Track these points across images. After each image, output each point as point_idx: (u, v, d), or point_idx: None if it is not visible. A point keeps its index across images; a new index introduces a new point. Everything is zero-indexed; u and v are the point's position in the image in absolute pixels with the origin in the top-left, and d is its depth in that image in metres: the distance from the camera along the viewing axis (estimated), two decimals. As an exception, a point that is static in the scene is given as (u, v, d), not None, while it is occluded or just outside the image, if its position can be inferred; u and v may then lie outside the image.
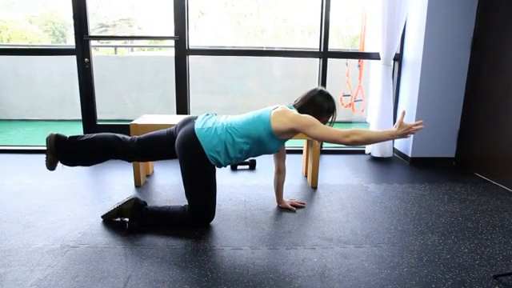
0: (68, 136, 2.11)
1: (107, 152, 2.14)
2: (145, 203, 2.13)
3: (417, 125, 1.85)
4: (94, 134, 2.15)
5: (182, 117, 2.27)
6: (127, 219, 2.09)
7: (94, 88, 3.55)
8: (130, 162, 2.29)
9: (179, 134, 2.07)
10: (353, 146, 3.88)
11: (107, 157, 2.17)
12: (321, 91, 2.10)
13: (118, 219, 2.16)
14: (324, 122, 2.07)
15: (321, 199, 2.56)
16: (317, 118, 2.00)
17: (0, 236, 1.96)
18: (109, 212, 2.14)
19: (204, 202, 2.07)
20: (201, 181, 2.04)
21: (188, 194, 2.05)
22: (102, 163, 3.04)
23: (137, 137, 2.18)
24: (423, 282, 1.64)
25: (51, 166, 2.08)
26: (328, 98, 2.09)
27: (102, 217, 2.17)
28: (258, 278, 1.65)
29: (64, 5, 6.40)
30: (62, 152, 2.07)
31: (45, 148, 2.09)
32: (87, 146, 2.09)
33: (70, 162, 2.12)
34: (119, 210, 2.11)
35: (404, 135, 1.86)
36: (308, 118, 1.93)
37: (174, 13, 3.39)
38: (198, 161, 1.99)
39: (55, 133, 2.09)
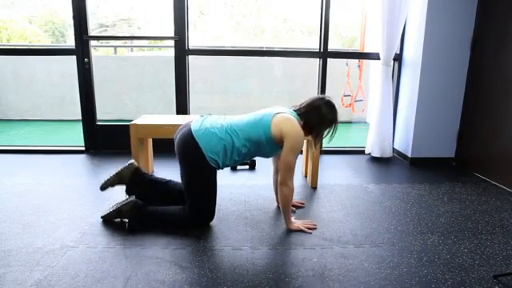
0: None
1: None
2: (144, 204, 2.13)
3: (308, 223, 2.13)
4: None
5: (182, 117, 2.26)
6: (127, 220, 2.09)
7: (93, 88, 3.55)
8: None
9: (178, 138, 2.07)
10: (351, 147, 3.90)
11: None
12: (327, 102, 2.05)
13: (118, 220, 2.16)
14: (324, 131, 2.07)
15: (321, 199, 2.56)
16: (319, 126, 2.03)
17: (0, 236, 1.96)
18: (108, 213, 2.14)
19: (204, 203, 2.07)
20: (201, 182, 2.04)
21: (188, 195, 2.05)
22: (102, 162, 3.06)
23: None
24: (423, 282, 1.64)
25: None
26: (332, 110, 2.05)
27: (102, 217, 2.17)
28: (258, 277, 1.65)
29: (64, 5, 6.40)
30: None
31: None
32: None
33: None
34: (119, 212, 2.11)
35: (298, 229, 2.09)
36: (296, 142, 1.95)
37: (174, 13, 3.39)
38: (197, 162, 1.99)
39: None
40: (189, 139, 1.99)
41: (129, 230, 2.04)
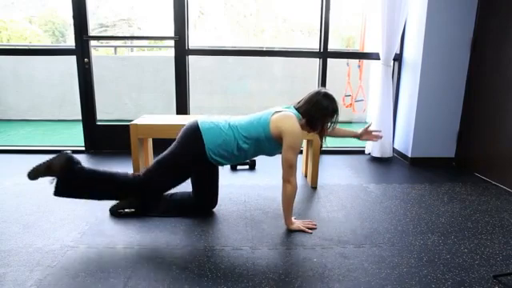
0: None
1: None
2: (79, 162, 2.01)
3: None
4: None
5: (182, 117, 2.29)
6: (56, 180, 1.97)
7: (93, 88, 3.55)
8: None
9: (183, 128, 2.12)
10: (351, 147, 3.90)
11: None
12: (325, 94, 2.06)
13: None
14: (328, 123, 2.08)
15: (321, 199, 2.56)
16: (322, 119, 2.04)
17: (0, 236, 1.96)
18: (36, 168, 1.95)
19: (158, 183, 2.10)
20: (172, 163, 2.07)
21: (157, 162, 2.09)
22: (102, 163, 3.05)
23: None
24: (423, 282, 1.64)
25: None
26: (332, 100, 2.06)
27: (29, 175, 1.95)
28: (258, 278, 1.65)
29: (64, 5, 6.40)
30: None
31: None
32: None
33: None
34: (48, 166, 1.94)
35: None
36: (294, 139, 1.96)
37: (174, 13, 3.39)
38: (194, 148, 2.03)
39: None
40: (193, 128, 2.06)
41: (55, 193, 1.93)
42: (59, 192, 1.97)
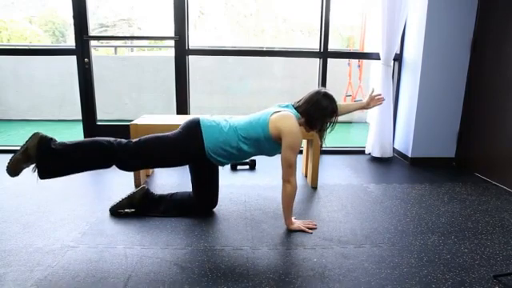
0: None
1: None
2: (53, 138, 1.93)
3: None
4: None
5: (182, 117, 2.29)
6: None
7: (93, 88, 3.55)
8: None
9: (185, 121, 2.12)
10: (351, 147, 3.90)
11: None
12: (325, 94, 2.06)
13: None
14: (326, 123, 2.08)
15: (321, 199, 2.56)
16: (322, 119, 2.04)
17: (0, 236, 1.96)
18: (14, 159, 1.85)
19: (144, 156, 2.05)
20: (169, 146, 2.03)
21: (142, 140, 2.05)
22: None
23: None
24: (423, 282, 1.64)
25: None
26: (332, 100, 2.07)
27: (9, 171, 1.86)
28: (258, 277, 1.65)
29: (64, 5, 6.40)
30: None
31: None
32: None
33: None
34: (25, 152, 1.86)
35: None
36: (293, 139, 1.95)
37: (174, 13, 3.39)
38: (190, 145, 2.02)
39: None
40: (195, 123, 2.05)
41: (39, 176, 1.87)
42: (44, 173, 1.89)
